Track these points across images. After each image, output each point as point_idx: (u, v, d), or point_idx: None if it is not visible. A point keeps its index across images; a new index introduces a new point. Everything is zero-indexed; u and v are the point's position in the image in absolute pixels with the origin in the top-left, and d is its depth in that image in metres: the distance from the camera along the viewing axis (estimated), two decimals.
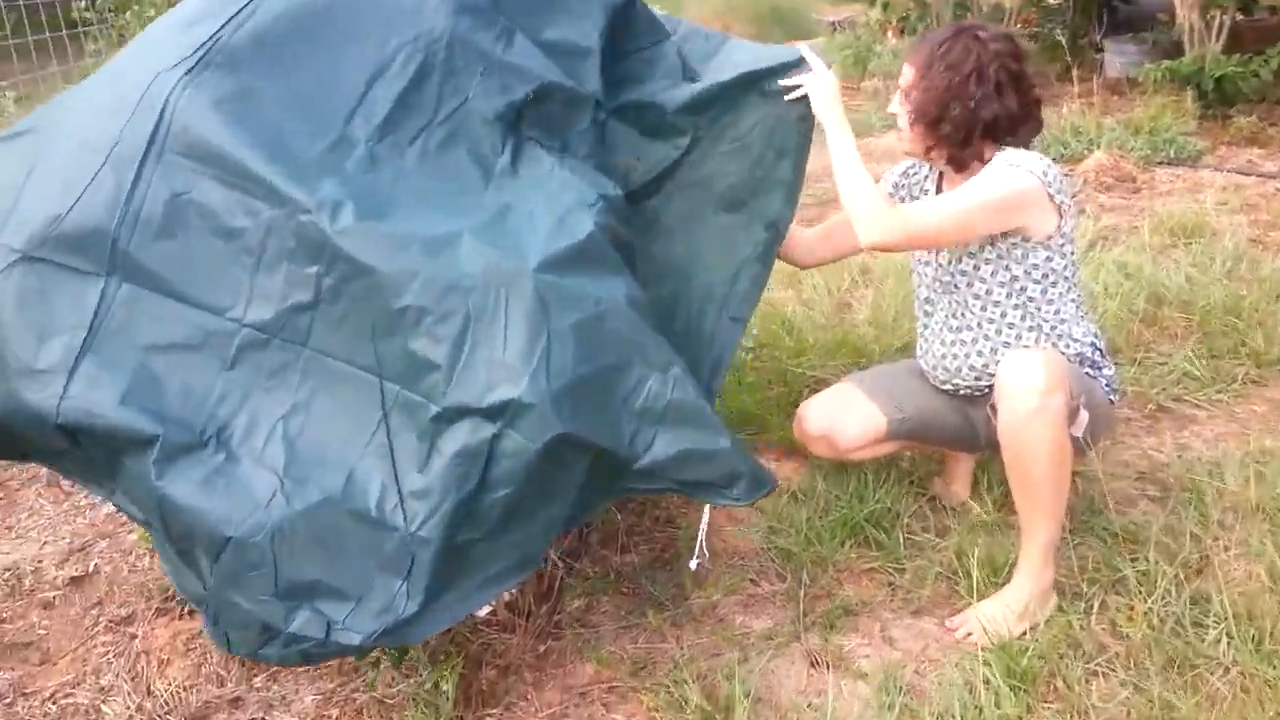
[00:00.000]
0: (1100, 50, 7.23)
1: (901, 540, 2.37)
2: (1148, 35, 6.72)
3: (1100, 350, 2.30)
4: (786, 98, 2.15)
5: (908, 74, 2.21)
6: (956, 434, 2.43)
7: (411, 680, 2.00)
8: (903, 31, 7.09)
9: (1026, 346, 2.23)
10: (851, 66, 8.14)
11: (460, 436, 1.68)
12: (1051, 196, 2.11)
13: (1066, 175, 5.04)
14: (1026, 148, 2.23)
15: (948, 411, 2.40)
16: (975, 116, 2.14)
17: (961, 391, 2.35)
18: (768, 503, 2.54)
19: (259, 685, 2.07)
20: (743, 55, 2.28)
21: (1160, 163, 5.07)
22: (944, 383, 2.38)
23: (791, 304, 3.66)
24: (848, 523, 2.40)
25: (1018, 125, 2.20)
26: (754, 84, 2.20)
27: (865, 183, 2.11)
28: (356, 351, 1.75)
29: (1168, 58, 5.98)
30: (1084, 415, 2.10)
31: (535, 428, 1.67)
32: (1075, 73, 6.05)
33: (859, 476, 2.55)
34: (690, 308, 2.22)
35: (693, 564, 2.19)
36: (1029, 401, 2.01)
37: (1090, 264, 3.78)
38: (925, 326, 2.41)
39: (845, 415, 2.41)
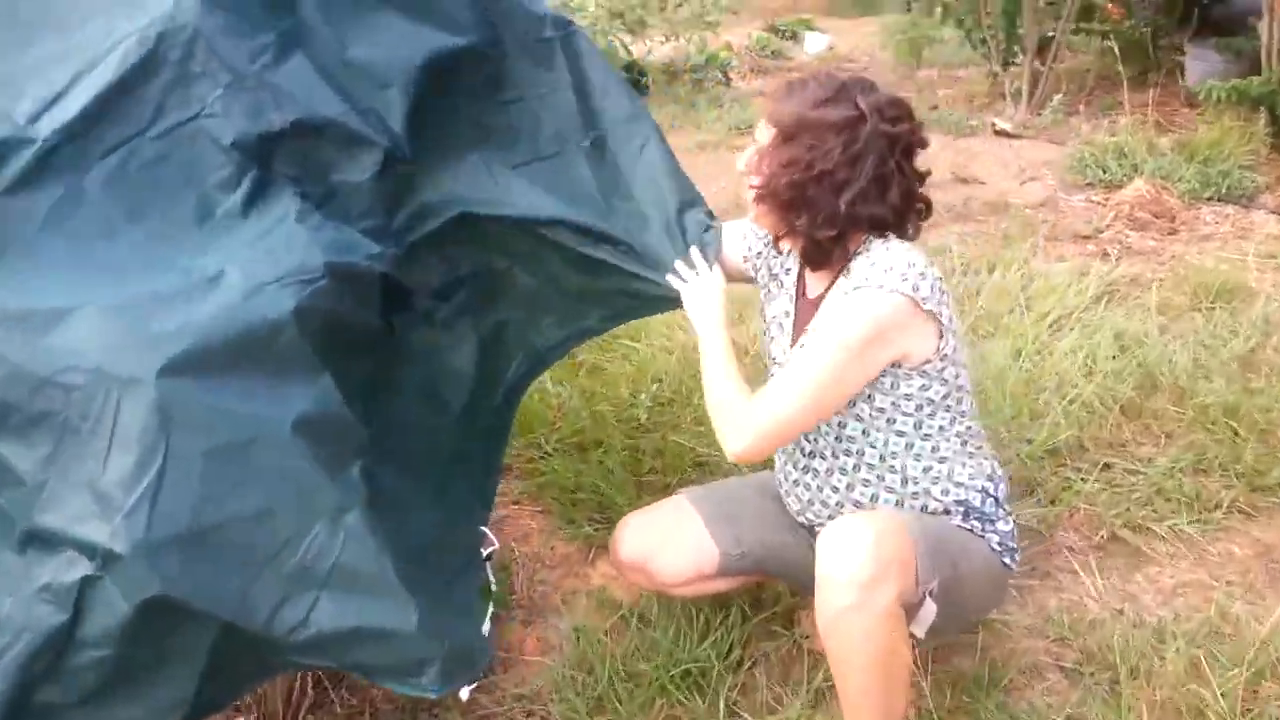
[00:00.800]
0: (1183, 54, 6.41)
1: (722, 711, 1.89)
2: (1234, 41, 5.89)
3: (995, 498, 1.78)
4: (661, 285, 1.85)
5: (764, 133, 1.69)
6: (805, 573, 1.92)
7: None
8: (961, 23, 6.38)
9: (890, 490, 1.74)
10: (906, 54, 7.45)
11: (52, 568, 1.31)
12: (920, 306, 1.60)
13: (1098, 204, 4.42)
14: (914, 233, 1.72)
15: (797, 546, 1.90)
16: (844, 211, 1.63)
17: (815, 528, 1.86)
18: (587, 629, 2.09)
19: None
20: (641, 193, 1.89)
21: (1209, 198, 4.36)
22: (798, 514, 1.89)
23: None
24: (657, 679, 1.93)
25: (901, 218, 1.68)
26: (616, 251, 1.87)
27: (733, 394, 1.70)
28: None
29: (1255, 70, 5.19)
30: (929, 609, 1.59)
31: (128, 583, 1.29)
32: (1126, 80, 5.33)
33: (698, 608, 2.07)
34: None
35: (464, 694, 1.74)
36: (845, 596, 1.52)
37: (1087, 327, 3.19)
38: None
39: (671, 543, 1.93)
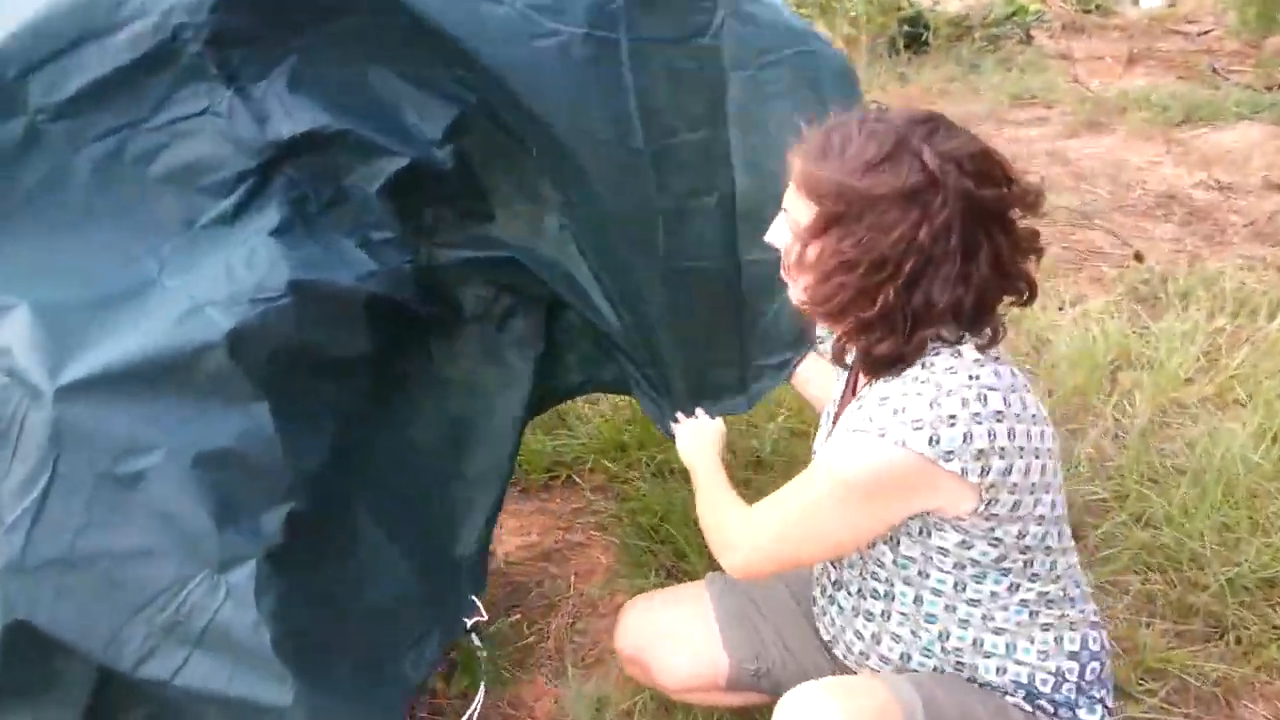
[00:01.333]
0: None
1: None
2: None
3: (1078, 683, 1.32)
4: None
5: (799, 209, 1.24)
6: None
7: None
8: None
9: (927, 653, 1.35)
10: (1255, 19, 6.27)
11: None
12: (938, 464, 1.16)
13: None
14: (995, 333, 1.25)
15: (827, 673, 1.52)
16: (918, 306, 1.19)
17: (847, 661, 1.48)
18: (600, 705, 1.83)
19: None
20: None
21: None
22: (829, 644, 1.52)
23: None
24: None
25: (981, 307, 1.22)
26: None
27: (727, 511, 1.46)
28: None
29: None
30: None
31: (1, 601, 1.23)
32: None
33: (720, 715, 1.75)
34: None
35: None
36: None
37: None
38: None
39: (673, 642, 1.62)
